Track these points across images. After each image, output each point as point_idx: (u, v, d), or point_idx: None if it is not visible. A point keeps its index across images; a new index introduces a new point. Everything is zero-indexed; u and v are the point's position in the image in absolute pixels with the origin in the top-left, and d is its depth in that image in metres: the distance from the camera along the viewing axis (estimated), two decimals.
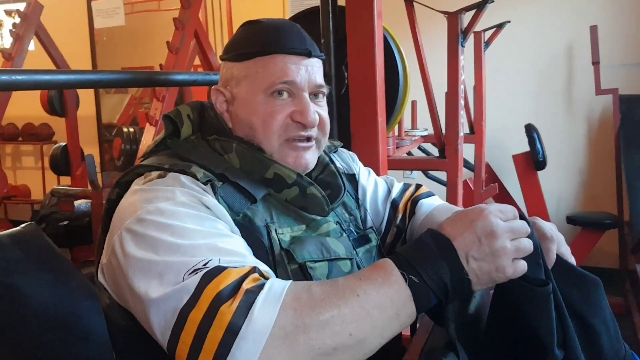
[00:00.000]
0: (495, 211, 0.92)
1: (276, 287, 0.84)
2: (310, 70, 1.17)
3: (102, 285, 1.05)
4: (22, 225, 1.69)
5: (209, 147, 1.16)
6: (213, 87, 1.23)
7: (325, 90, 1.21)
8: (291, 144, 1.16)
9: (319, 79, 1.19)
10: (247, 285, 0.84)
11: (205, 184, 1.04)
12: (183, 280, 0.85)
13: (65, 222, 4.00)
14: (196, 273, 0.86)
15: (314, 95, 1.19)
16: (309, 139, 1.17)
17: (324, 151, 1.28)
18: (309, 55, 1.18)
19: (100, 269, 1.03)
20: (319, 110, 1.19)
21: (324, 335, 0.80)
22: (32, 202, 6.46)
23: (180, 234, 0.92)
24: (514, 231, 0.90)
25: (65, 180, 5.55)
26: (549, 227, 1.07)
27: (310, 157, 1.18)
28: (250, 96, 1.15)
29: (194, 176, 1.04)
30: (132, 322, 0.97)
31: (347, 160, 1.42)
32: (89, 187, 2.28)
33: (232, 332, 0.79)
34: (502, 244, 0.88)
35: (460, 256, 0.87)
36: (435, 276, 0.86)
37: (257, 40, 1.17)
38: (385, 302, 0.84)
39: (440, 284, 0.86)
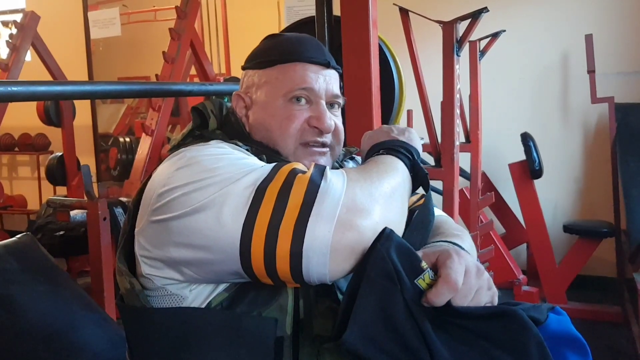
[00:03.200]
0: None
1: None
2: (328, 80, 1.22)
3: (123, 268, 1.07)
4: (18, 236, 1.69)
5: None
6: (234, 92, 1.27)
7: (341, 101, 1.26)
8: (306, 148, 1.19)
9: (336, 89, 1.24)
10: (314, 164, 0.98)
11: (247, 151, 1.10)
12: (254, 171, 0.94)
13: (61, 232, 3.99)
14: (265, 166, 0.97)
15: (330, 104, 1.23)
16: (323, 145, 1.20)
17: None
18: (327, 65, 1.23)
19: (137, 240, 1.04)
20: (334, 118, 1.23)
21: (384, 180, 0.98)
22: (28, 212, 6.43)
23: (238, 157, 1.01)
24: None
25: (62, 190, 5.53)
26: (458, 272, 0.89)
27: (325, 163, 1.20)
28: (269, 100, 1.20)
29: (236, 144, 1.11)
30: (150, 302, 1.02)
31: None
32: (85, 198, 2.27)
33: (313, 188, 0.90)
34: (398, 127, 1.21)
35: (397, 139, 1.15)
36: (402, 150, 1.12)
37: (279, 50, 1.22)
38: (399, 168, 1.06)
39: (406, 151, 1.12)
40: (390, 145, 1.12)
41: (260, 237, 0.87)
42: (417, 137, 1.18)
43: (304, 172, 0.94)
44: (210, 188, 0.92)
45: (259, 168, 0.95)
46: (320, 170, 0.94)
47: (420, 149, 1.16)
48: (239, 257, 0.90)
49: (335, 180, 0.92)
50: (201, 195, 0.92)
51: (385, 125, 1.22)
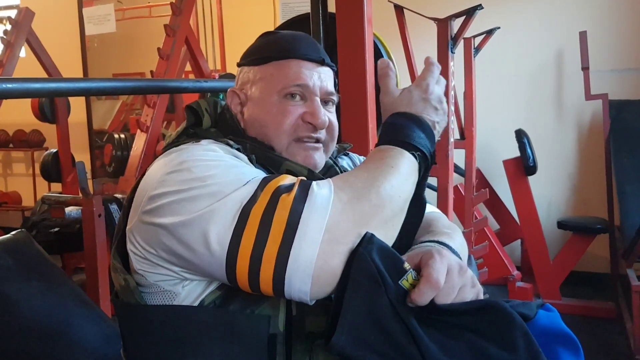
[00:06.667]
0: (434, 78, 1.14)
1: (322, 180, 0.97)
2: (322, 77, 1.22)
3: (118, 265, 1.08)
4: (13, 232, 1.69)
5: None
6: (229, 89, 1.27)
7: (335, 98, 1.26)
8: (300, 143, 1.19)
9: (330, 86, 1.24)
10: (299, 181, 0.95)
11: (238, 150, 1.10)
12: (240, 188, 0.93)
13: (56, 229, 3.98)
14: (251, 182, 0.95)
15: (324, 101, 1.23)
16: (317, 140, 1.21)
17: None
18: (322, 63, 1.24)
19: (128, 237, 1.04)
20: (329, 115, 1.23)
21: (384, 201, 0.94)
22: (23, 208, 6.42)
23: (228, 164, 1.00)
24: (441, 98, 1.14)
25: (57, 186, 5.53)
26: (440, 272, 0.91)
27: (319, 158, 1.21)
28: (264, 96, 1.20)
29: (227, 144, 1.11)
30: (144, 298, 1.03)
31: (356, 162, 1.45)
32: (80, 194, 2.27)
33: (296, 211, 0.88)
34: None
35: (430, 127, 1.09)
36: (424, 143, 1.06)
37: (274, 47, 1.23)
38: (407, 168, 1.01)
39: (426, 149, 1.06)
40: (409, 138, 1.05)
41: (244, 260, 0.89)
42: (446, 116, 1.14)
43: (288, 191, 0.92)
44: (199, 201, 0.92)
45: (246, 185, 0.94)
46: (305, 190, 0.92)
47: (445, 124, 1.14)
48: (225, 274, 0.92)
49: (319, 201, 0.90)
50: (190, 206, 0.93)
51: (419, 90, 1.13)
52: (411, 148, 1.04)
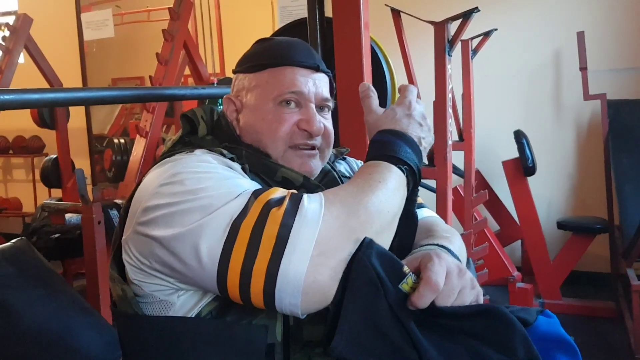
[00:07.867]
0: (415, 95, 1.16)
1: (313, 194, 0.96)
2: (317, 84, 1.23)
3: (115, 275, 1.09)
4: (13, 240, 1.69)
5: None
6: (225, 96, 1.28)
7: (331, 104, 1.27)
8: (296, 150, 1.20)
9: (326, 92, 1.25)
10: (290, 195, 0.94)
11: (231, 159, 1.10)
12: (231, 201, 0.93)
13: (57, 235, 3.99)
14: (242, 195, 0.94)
15: (320, 108, 1.24)
16: (313, 147, 1.21)
17: None
18: (317, 69, 1.24)
19: (124, 247, 1.05)
20: (324, 121, 1.24)
21: (372, 216, 0.93)
22: (24, 214, 6.42)
23: (221, 176, 1.00)
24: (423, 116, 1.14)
25: (57, 192, 5.53)
26: (439, 274, 0.92)
27: (315, 165, 1.22)
28: (259, 104, 1.21)
29: (221, 153, 1.11)
30: (142, 308, 1.04)
31: (353, 167, 1.46)
32: (80, 201, 2.28)
33: (287, 225, 0.88)
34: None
35: (416, 142, 1.09)
36: (410, 158, 1.06)
37: (269, 54, 1.23)
38: (395, 182, 1.01)
39: (413, 163, 1.06)
40: (395, 153, 1.06)
41: (235, 274, 0.89)
42: (432, 133, 1.16)
43: (279, 205, 0.92)
44: (191, 215, 0.93)
45: (237, 198, 0.94)
46: (295, 204, 0.92)
47: (432, 141, 1.15)
48: (216, 287, 0.92)
49: (310, 216, 0.90)
50: (182, 219, 0.93)
51: (402, 107, 1.14)
52: (398, 162, 1.04)
